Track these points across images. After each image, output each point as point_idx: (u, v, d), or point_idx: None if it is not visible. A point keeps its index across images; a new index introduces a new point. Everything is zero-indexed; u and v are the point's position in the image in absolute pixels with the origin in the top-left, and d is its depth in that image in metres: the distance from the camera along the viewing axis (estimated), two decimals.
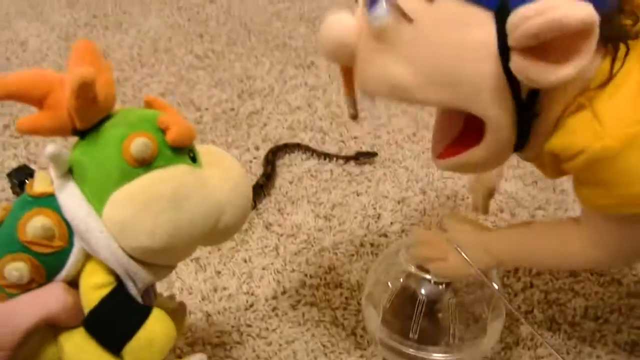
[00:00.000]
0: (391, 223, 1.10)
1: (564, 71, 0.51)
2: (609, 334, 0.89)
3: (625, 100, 0.55)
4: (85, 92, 0.53)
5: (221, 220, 0.61)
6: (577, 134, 0.57)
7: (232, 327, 0.91)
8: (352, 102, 0.69)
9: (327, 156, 1.26)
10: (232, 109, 1.42)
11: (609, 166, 0.56)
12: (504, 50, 0.53)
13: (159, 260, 0.60)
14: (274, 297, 0.96)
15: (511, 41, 0.52)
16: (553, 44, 0.50)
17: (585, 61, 0.51)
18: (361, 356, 0.87)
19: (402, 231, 1.08)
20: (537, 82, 0.53)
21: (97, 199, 0.56)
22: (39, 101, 0.56)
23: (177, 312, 0.71)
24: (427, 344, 0.77)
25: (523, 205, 1.14)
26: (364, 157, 1.25)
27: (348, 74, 0.65)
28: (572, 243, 0.67)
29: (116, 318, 0.58)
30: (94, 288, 0.57)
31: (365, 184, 1.20)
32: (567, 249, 0.68)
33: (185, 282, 0.97)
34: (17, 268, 0.55)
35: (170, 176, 0.57)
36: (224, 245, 1.03)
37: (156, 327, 0.59)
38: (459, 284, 0.78)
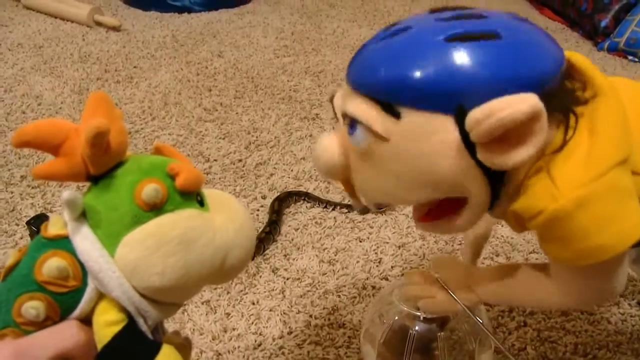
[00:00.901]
0: (392, 267, 1.12)
1: (525, 152, 0.55)
2: None
3: (576, 164, 0.59)
4: (99, 141, 0.54)
5: (227, 260, 0.62)
6: (536, 196, 0.60)
7: None
8: (358, 202, 0.72)
9: (349, 207, 1.28)
10: (240, 160, 1.46)
11: (565, 224, 0.59)
12: (470, 144, 0.57)
13: (168, 298, 0.61)
14: (281, 337, 0.98)
15: (472, 138, 0.56)
16: (509, 133, 0.54)
17: (541, 138, 0.55)
18: None
19: (402, 275, 1.10)
20: (503, 166, 0.56)
21: (110, 241, 0.57)
22: (54, 148, 0.57)
23: (183, 346, 0.71)
24: None
25: (518, 249, 1.17)
26: (381, 206, 1.27)
27: (347, 183, 0.69)
28: (542, 288, 0.70)
29: (128, 353, 0.58)
30: (107, 325, 0.58)
31: (367, 230, 1.22)
32: (538, 294, 0.72)
33: (196, 323, 0.99)
34: (34, 306, 0.56)
35: (180, 220, 0.58)
36: (233, 289, 1.06)
37: None
38: (451, 324, 0.80)
